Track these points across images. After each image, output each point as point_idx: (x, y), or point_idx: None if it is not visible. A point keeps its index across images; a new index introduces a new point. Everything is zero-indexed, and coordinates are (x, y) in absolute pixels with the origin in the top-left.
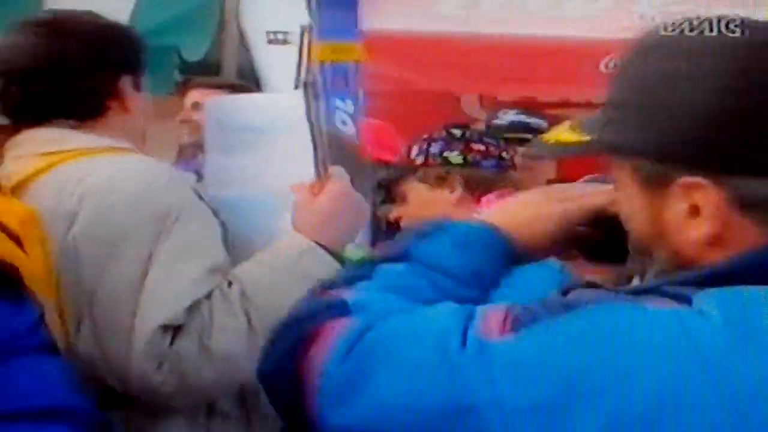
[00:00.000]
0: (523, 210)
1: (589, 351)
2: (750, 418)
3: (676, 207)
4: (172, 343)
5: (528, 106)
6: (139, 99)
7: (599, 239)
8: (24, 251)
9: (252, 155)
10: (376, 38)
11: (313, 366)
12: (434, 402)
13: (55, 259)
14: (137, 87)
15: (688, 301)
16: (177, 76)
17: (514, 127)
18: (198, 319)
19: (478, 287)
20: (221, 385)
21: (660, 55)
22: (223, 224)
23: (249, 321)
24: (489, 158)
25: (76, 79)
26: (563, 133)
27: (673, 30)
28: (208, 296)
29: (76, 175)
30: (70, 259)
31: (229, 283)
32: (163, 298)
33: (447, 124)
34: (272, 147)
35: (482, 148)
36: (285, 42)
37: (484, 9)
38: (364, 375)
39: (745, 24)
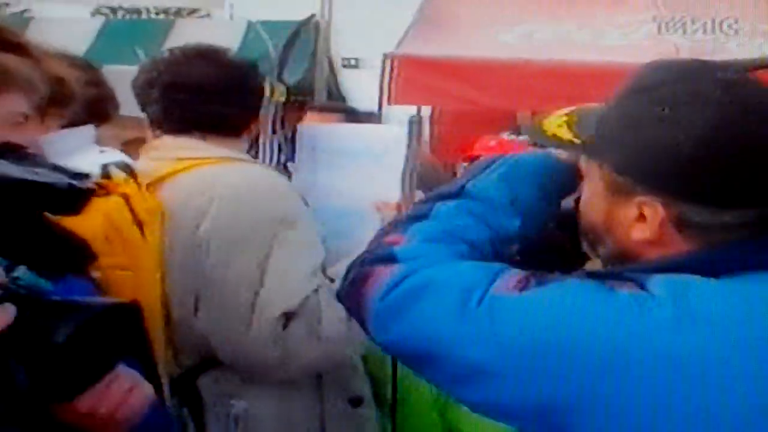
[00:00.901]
0: None
1: (567, 312)
2: (683, 384)
3: (628, 210)
4: (285, 326)
5: None
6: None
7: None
8: (144, 236)
9: (337, 174)
10: (446, 63)
11: (368, 298)
12: (447, 337)
13: (182, 249)
14: None
15: (642, 284)
16: None
17: None
18: (309, 309)
19: (521, 216)
20: (322, 363)
21: (647, 97)
22: None
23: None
24: None
25: (238, 102)
26: (559, 129)
27: (664, 75)
28: (316, 290)
29: (207, 178)
30: (198, 250)
31: (331, 280)
32: (282, 290)
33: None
34: (355, 169)
35: None
36: (356, 66)
37: (538, 39)
38: (402, 309)
39: (721, 81)
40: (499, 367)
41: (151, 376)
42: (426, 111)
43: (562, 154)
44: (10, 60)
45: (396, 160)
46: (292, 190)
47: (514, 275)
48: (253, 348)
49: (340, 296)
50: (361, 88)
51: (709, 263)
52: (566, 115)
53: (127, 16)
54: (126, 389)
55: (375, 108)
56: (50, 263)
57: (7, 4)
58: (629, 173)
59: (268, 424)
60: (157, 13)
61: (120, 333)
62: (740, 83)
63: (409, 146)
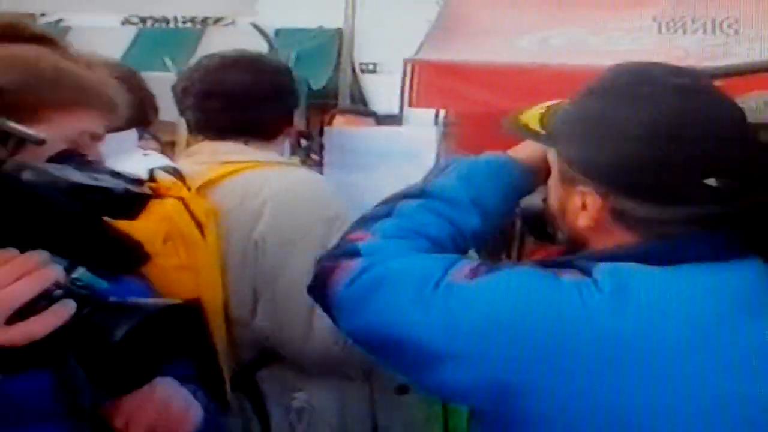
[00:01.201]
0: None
1: (513, 298)
2: (618, 364)
3: (574, 199)
4: None
5: None
6: None
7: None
8: (204, 237)
9: (369, 176)
10: (464, 68)
11: (333, 289)
12: (405, 323)
13: (238, 251)
14: None
15: (589, 271)
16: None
17: None
18: None
19: (480, 213)
20: None
21: (602, 96)
22: None
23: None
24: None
25: (276, 107)
26: (532, 120)
27: (623, 77)
28: None
29: (257, 181)
30: (254, 252)
31: None
32: None
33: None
34: (386, 170)
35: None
36: (374, 72)
37: (553, 45)
38: (363, 298)
39: (674, 86)
40: (453, 350)
41: (212, 375)
42: (442, 113)
43: (524, 154)
44: (93, 78)
45: (427, 161)
46: (335, 191)
47: (467, 265)
48: (316, 346)
49: (309, 289)
50: (379, 92)
51: (651, 254)
52: (545, 108)
53: (156, 25)
54: (180, 415)
55: (392, 110)
56: (105, 264)
57: (42, 15)
58: (574, 164)
59: (326, 415)
60: (184, 22)
61: (177, 334)
62: (693, 90)
63: (439, 145)
